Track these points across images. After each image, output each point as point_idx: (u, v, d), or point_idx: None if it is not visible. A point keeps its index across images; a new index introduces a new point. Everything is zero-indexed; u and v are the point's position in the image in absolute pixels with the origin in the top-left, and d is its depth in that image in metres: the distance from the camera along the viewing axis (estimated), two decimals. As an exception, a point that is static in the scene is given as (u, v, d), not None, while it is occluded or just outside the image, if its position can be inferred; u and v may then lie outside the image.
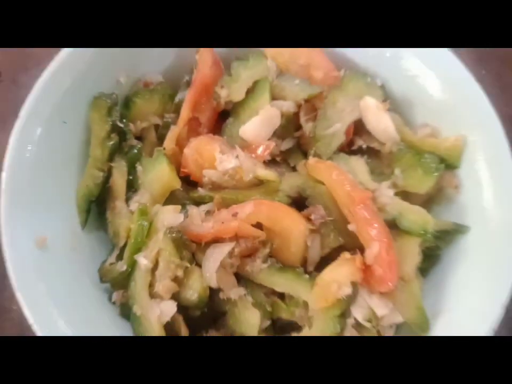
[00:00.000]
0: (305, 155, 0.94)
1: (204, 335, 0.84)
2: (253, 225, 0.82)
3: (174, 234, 0.79)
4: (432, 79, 0.95)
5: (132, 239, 0.82)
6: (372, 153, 0.95)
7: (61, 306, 0.79)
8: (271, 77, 0.94)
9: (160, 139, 0.94)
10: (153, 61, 0.98)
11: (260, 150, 0.89)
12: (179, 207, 0.82)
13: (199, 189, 0.88)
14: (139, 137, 0.95)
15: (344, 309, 0.80)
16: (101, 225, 0.92)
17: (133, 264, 0.82)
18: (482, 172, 0.89)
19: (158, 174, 0.87)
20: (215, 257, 0.80)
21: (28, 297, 0.77)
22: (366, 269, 0.81)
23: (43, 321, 0.76)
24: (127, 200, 0.88)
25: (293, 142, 0.95)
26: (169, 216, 0.81)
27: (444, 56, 0.93)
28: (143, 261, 0.80)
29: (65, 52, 0.88)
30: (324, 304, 0.79)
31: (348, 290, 0.78)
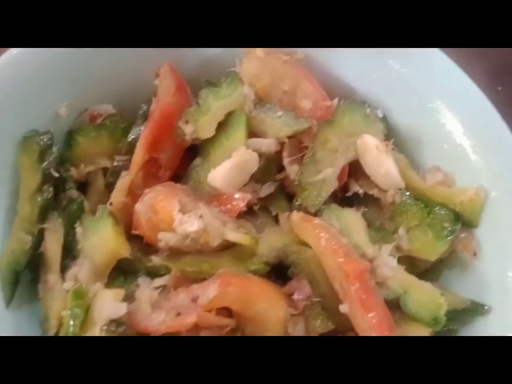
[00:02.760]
0: (290, 199, 0.80)
1: None
2: (219, 309, 0.68)
3: (113, 330, 0.63)
4: (447, 113, 0.82)
5: (62, 332, 0.66)
6: (370, 201, 0.83)
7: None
8: (248, 107, 0.81)
9: (109, 186, 0.80)
10: (102, 87, 0.83)
11: (233, 203, 0.76)
12: (122, 292, 0.66)
13: (153, 257, 0.73)
14: (83, 184, 0.81)
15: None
16: (34, 296, 0.76)
17: (62, 366, 0.66)
18: (506, 234, 0.76)
19: (101, 238, 0.72)
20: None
21: None
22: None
23: None
24: (64, 268, 0.73)
25: (275, 185, 0.82)
26: (109, 305, 0.65)
27: (462, 84, 0.81)
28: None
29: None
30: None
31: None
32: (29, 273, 0.76)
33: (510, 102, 1.10)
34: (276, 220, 0.80)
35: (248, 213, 0.78)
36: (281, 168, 0.82)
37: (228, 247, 0.74)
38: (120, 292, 0.66)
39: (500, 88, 1.15)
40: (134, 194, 0.77)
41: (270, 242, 0.76)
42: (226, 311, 0.70)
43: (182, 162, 0.83)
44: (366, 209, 0.81)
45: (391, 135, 0.83)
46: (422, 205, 0.79)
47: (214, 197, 0.77)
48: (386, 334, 0.67)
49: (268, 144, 0.79)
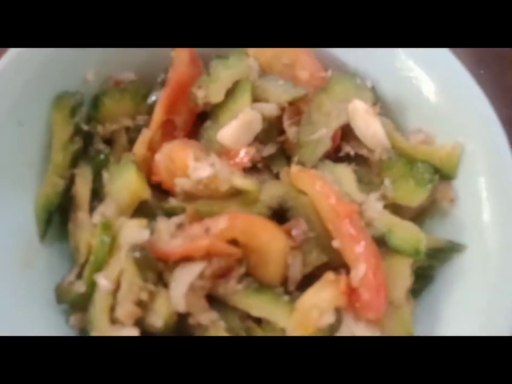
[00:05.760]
0: (289, 161, 0.87)
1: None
2: (228, 241, 0.75)
3: (137, 253, 0.72)
4: (427, 81, 0.88)
5: (93, 256, 0.75)
6: (360, 161, 0.89)
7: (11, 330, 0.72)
8: (253, 77, 0.87)
9: (132, 143, 0.87)
10: (125, 58, 0.91)
11: (239, 157, 0.83)
12: (145, 221, 0.75)
13: (171, 199, 0.81)
14: (108, 141, 0.89)
15: (325, 339, 0.73)
16: (64, 236, 0.85)
17: (92, 285, 0.75)
18: (481, 184, 0.82)
19: (125, 182, 0.80)
20: (183, 279, 0.72)
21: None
22: (352, 292, 0.74)
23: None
24: (92, 210, 0.81)
25: (276, 147, 0.88)
26: (133, 232, 0.73)
27: (441, 56, 0.87)
28: (103, 281, 0.73)
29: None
30: (303, 333, 0.72)
31: (330, 318, 0.71)
32: (59, 216, 0.84)
33: (491, 85, 1.19)
34: (276, 177, 0.86)
35: (253, 169, 0.84)
36: (281, 132, 0.87)
37: (234, 195, 0.80)
38: (143, 221, 0.74)
39: (482, 72, 1.18)
40: (153, 149, 0.84)
41: (271, 191, 0.81)
42: (234, 245, 0.75)
43: (194, 127, 0.89)
44: (356, 167, 0.86)
45: (378, 103, 0.88)
46: (405, 161, 0.84)
47: (223, 154, 0.82)
48: (372, 261, 0.73)
49: (270, 108, 0.85)
